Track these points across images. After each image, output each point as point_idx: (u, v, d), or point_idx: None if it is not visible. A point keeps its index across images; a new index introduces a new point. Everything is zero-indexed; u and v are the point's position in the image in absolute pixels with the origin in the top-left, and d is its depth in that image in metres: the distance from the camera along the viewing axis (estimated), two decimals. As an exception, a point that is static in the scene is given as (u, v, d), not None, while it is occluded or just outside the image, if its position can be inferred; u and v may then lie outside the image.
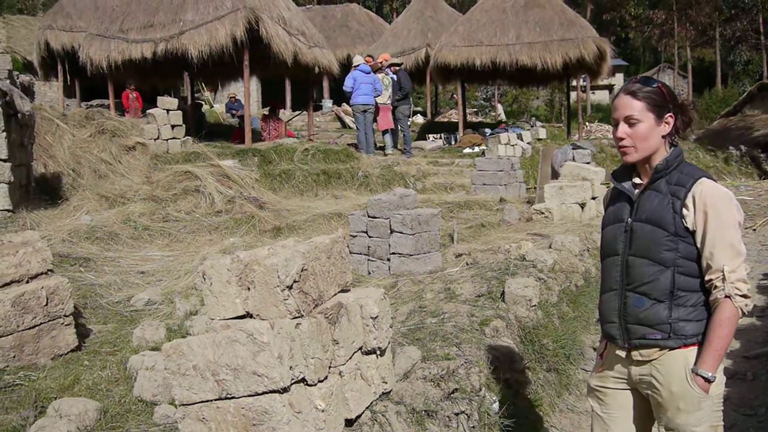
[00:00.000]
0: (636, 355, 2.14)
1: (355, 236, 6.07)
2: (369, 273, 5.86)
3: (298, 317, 2.17)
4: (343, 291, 2.56)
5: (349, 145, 13.28)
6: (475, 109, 26.10)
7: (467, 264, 5.52)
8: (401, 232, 5.59)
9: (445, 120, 20.90)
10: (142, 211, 8.11)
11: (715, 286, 2.00)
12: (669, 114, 2.09)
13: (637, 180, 2.19)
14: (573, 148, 11.52)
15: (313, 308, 2.29)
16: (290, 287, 2.15)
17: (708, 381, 2.01)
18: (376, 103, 12.51)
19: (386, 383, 2.70)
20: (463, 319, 3.84)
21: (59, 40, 15.99)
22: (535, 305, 4.32)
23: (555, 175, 10.03)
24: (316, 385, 2.19)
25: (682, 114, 2.13)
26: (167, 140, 10.64)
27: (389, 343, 2.70)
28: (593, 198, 8.51)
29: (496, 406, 3.17)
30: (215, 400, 2.10)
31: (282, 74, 16.41)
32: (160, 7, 12.15)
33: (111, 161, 9.69)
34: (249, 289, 2.19)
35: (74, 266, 5.94)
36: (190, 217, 8.31)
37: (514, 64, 14.94)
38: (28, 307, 3.70)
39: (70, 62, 15.61)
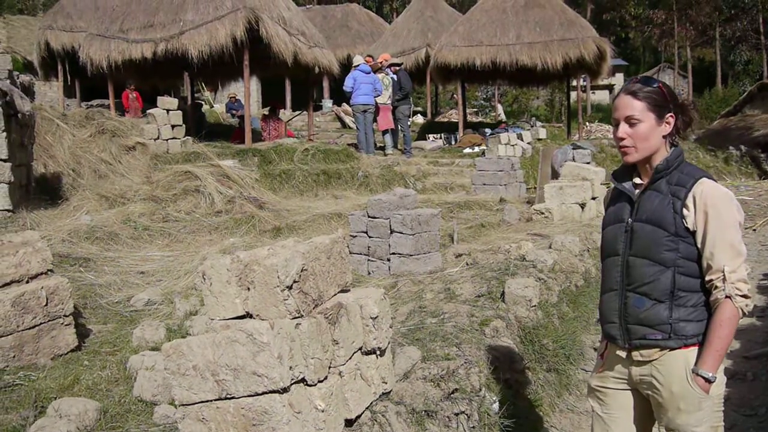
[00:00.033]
0: (636, 355, 2.13)
1: (355, 236, 6.07)
2: (369, 273, 5.86)
3: (298, 317, 2.17)
4: (343, 291, 2.56)
5: (349, 145, 13.28)
6: (476, 109, 26.11)
7: (467, 264, 5.52)
8: (401, 233, 5.59)
9: (445, 120, 20.90)
10: (142, 211, 8.11)
11: (716, 287, 2.00)
12: (669, 114, 2.09)
13: (637, 180, 2.19)
14: (573, 148, 11.51)
15: (313, 308, 2.28)
16: (290, 287, 2.14)
17: (708, 381, 2.01)
18: (376, 103, 12.50)
19: (386, 383, 2.70)
20: (463, 320, 3.84)
21: (59, 40, 16.00)
22: (535, 305, 4.32)
23: (555, 175, 10.03)
24: (315, 385, 2.19)
25: (682, 114, 2.12)
26: (167, 140, 10.65)
27: (389, 343, 2.70)
28: (593, 198, 8.51)
29: (496, 406, 3.16)
30: (215, 400, 2.10)
31: (282, 74, 16.41)
32: (160, 7, 12.15)
33: (111, 161, 9.69)
34: (249, 289, 2.19)
35: (74, 266, 5.94)
36: (190, 217, 8.31)
37: (514, 64, 14.94)
38: (28, 307, 3.70)
39: (70, 62, 15.61)
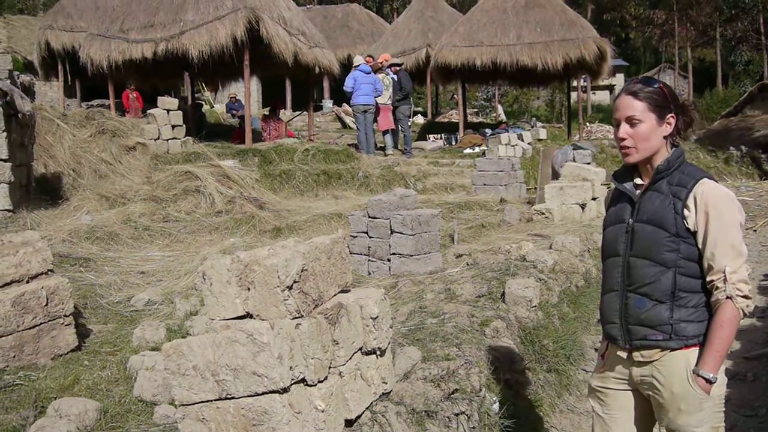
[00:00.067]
0: (637, 356, 2.13)
1: (356, 237, 6.06)
2: (369, 273, 5.86)
3: (298, 317, 2.17)
4: (343, 291, 2.56)
5: (349, 145, 13.28)
6: (476, 110, 26.11)
7: (467, 264, 5.51)
8: (401, 233, 5.59)
9: (446, 120, 20.89)
10: (143, 211, 8.11)
11: (717, 287, 2.00)
12: (670, 114, 2.09)
13: (638, 181, 2.19)
14: (573, 149, 11.49)
15: (313, 308, 2.28)
16: (290, 287, 2.14)
17: (709, 382, 2.01)
18: (377, 103, 12.50)
19: (386, 384, 2.70)
20: (463, 320, 3.84)
21: (60, 40, 15.99)
22: (535, 306, 4.32)
23: (555, 175, 10.02)
24: (316, 385, 2.18)
25: (683, 114, 2.12)
26: (167, 140, 10.65)
27: (389, 343, 2.69)
28: (594, 198, 8.50)
29: (496, 406, 3.16)
30: (215, 400, 2.10)
31: (282, 74, 16.41)
32: (160, 7, 12.15)
33: (111, 161, 9.70)
34: (249, 289, 2.19)
35: (74, 266, 5.94)
36: (191, 218, 8.31)
37: (515, 64, 14.94)
38: (28, 307, 3.70)
39: (70, 62, 15.60)
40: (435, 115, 21.63)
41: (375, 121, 12.84)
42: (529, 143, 14.73)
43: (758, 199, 11.76)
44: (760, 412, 3.83)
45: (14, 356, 3.64)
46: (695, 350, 2.04)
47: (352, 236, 6.09)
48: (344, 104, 19.80)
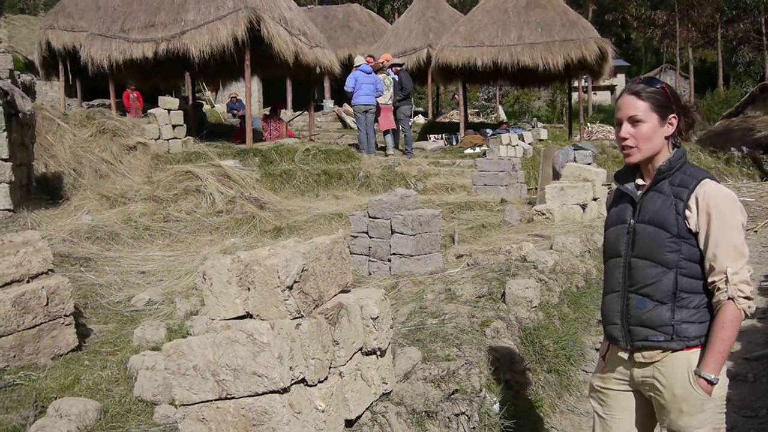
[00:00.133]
0: (638, 356, 2.13)
1: (356, 237, 6.06)
2: (370, 273, 5.86)
3: (299, 318, 2.17)
4: (343, 291, 2.56)
5: (350, 145, 13.27)
6: (477, 110, 26.11)
7: (468, 265, 5.51)
8: (402, 233, 5.59)
9: (447, 120, 20.89)
10: (143, 211, 8.11)
11: (718, 288, 1.99)
12: (672, 115, 2.08)
13: (639, 181, 2.18)
14: (574, 149, 11.49)
15: (314, 309, 2.28)
16: (290, 288, 2.14)
17: (711, 383, 2.00)
18: (378, 103, 12.50)
19: (386, 384, 2.69)
20: (463, 320, 3.83)
21: (60, 39, 16.00)
22: (535, 306, 4.31)
23: (556, 176, 10.02)
24: (316, 385, 2.18)
25: (685, 115, 2.12)
26: (168, 140, 10.65)
27: (389, 343, 2.69)
28: (594, 199, 8.50)
29: (496, 407, 3.16)
30: (215, 400, 2.10)
31: (283, 74, 16.41)
32: (161, 7, 12.15)
33: (112, 161, 9.70)
34: (249, 289, 2.19)
35: (75, 266, 5.94)
36: (191, 217, 8.31)
37: (516, 64, 14.93)
38: (29, 307, 3.70)
39: (71, 62, 15.62)
40: (436, 115, 21.63)
41: (376, 121, 12.84)
42: (529, 143, 14.72)
43: (759, 200, 11.76)
44: (760, 413, 3.82)
45: (14, 356, 3.64)
46: (697, 351, 2.04)
47: (352, 236, 6.09)
48: (345, 104, 19.80)
